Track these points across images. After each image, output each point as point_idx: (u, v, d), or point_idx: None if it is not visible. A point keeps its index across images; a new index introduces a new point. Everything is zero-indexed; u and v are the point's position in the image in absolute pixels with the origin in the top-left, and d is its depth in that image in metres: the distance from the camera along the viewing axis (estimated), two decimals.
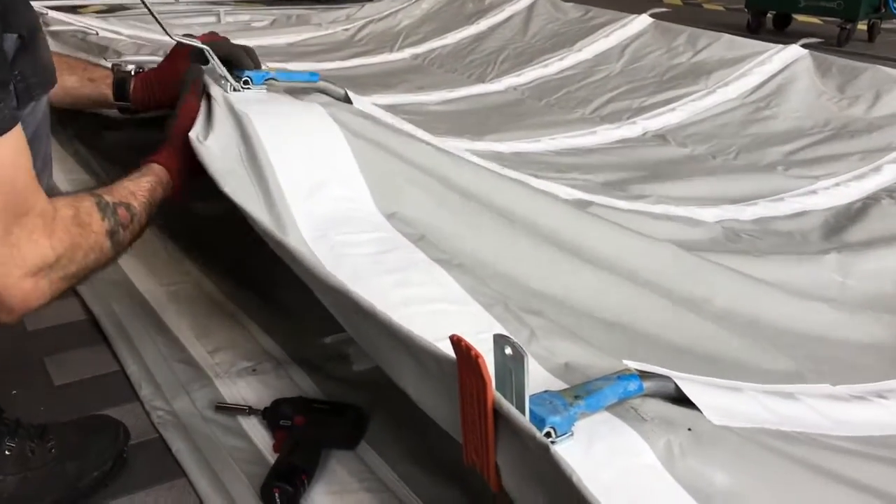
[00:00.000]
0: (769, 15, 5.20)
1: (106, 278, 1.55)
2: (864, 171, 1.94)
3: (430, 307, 0.89)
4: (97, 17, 3.43)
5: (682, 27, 2.93)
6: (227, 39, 1.37)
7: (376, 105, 2.48)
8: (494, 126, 2.27)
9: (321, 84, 1.30)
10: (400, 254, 1.00)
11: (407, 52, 3.21)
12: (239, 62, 1.27)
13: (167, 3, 4.08)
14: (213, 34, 1.42)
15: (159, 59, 1.70)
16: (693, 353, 0.99)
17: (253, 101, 1.17)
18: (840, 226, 1.62)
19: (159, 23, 1.20)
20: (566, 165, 1.90)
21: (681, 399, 0.76)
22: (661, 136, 2.26)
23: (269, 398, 1.14)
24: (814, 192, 1.84)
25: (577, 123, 2.36)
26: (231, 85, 1.20)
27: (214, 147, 1.09)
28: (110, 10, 4.07)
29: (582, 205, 1.40)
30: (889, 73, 2.42)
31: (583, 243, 1.17)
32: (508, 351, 0.64)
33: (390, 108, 2.50)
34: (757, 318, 1.14)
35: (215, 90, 1.19)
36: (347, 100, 1.30)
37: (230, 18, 3.86)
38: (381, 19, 3.58)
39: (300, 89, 1.30)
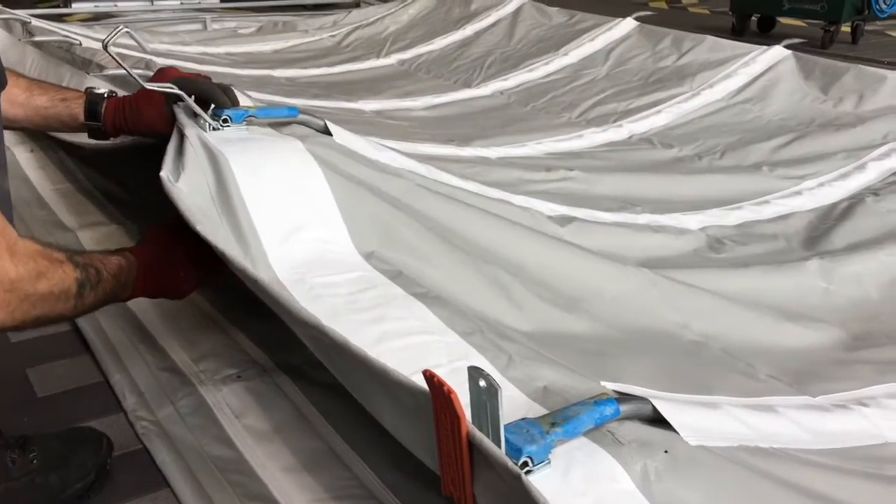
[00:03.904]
0: (754, 18, 5.23)
1: None
2: (849, 170, 1.95)
3: (406, 341, 0.90)
4: (82, 26, 3.42)
5: (666, 30, 2.94)
6: (208, 79, 1.36)
7: (368, 109, 2.50)
8: (481, 132, 2.27)
9: (301, 118, 1.29)
10: (377, 291, 1.00)
11: (394, 58, 3.21)
12: (216, 101, 1.26)
13: (152, 11, 4.07)
14: (196, 75, 1.41)
15: (141, 71, 1.68)
16: (671, 373, 0.99)
17: (231, 140, 1.16)
18: (824, 227, 1.63)
19: (130, 74, 1.20)
20: (555, 165, 1.90)
21: (658, 420, 0.76)
22: (647, 140, 2.27)
23: (254, 405, 1.13)
24: (798, 192, 1.85)
25: (564, 128, 2.36)
26: (209, 124, 1.19)
27: (185, 188, 1.08)
28: (95, 18, 4.05)
29: (565, 220, 1.40)
30: (872, 71, 2.43)
31: (557, 273, 1.19)
32: (483, 383, 0.64)
33: (378, 114, 2.51)
34: (735, 338, 1.15)
35: (190, 129, 1.17)
36: (327, 131, 1.29)
37: (216, 25, 3.85)
38: (367, 25, 3.58)
39: (281, 124, 1.28)
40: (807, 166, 1.98)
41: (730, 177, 1.93)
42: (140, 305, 1.46)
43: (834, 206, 1.75)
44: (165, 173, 1.09)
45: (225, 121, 1.21)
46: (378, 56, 3.23)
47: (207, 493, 1.02)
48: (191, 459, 1.07)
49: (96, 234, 1.79)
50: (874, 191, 1.84)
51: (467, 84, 2.86)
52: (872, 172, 1.95)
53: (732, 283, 1.28)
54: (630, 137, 2.31)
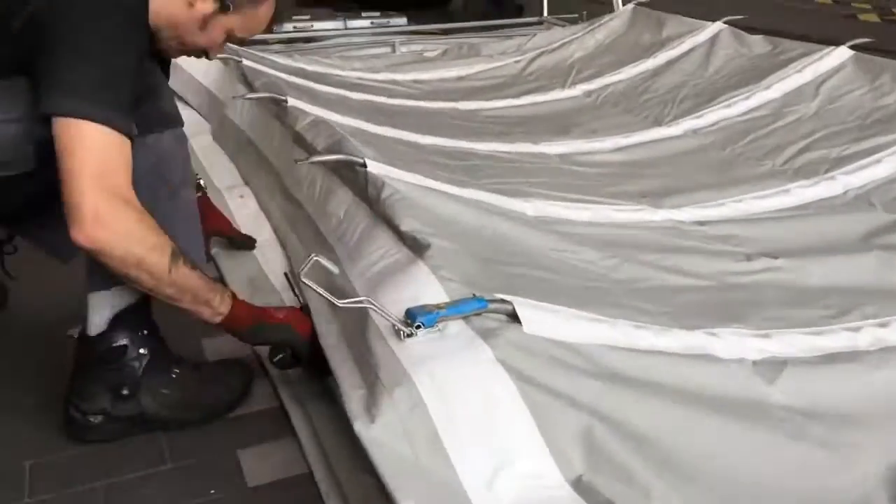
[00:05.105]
0: None
1: None
2: None
3: None
4: (282, 55, 3.57)
5: (888, 61, 2.65)
6: None
7: (553, 153, 2.43)
8: (673, 183, 2.17)
9: (491, 307, 1.21)
10: None
11: (579, 89, 3.13)
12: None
13: (342, 35, 4.23)
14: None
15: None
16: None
17: (422, 359, 1.10)
18: None
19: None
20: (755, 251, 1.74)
21: None
22: (865, 198, 2.06)
23: None
24: None
25: (767, 179, 2.20)
26: (403, 332, 1.15)
27: (381, 435, 1.02)
28: (291, 41, 4.24)
29: (774, 370, 1.21)
30: None
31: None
32: None
33: (562, 159, 2.45)
34: None
35: (380, 346, 1.15)
36: (516, 317, 1.20)
37: (404, 49, 3.95)
38: (552, 51, 3.52)
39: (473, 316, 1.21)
40: None
41: None
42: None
43: None
44: (358, 419, 1.05)
45: (418, 326, 1.16)
46: (563, 87, 3.17)
47: None
48: None
49: None
50: None
51: (658, 121, 2.73)
52: None
53: None
54: (845, 193, 2.10)
